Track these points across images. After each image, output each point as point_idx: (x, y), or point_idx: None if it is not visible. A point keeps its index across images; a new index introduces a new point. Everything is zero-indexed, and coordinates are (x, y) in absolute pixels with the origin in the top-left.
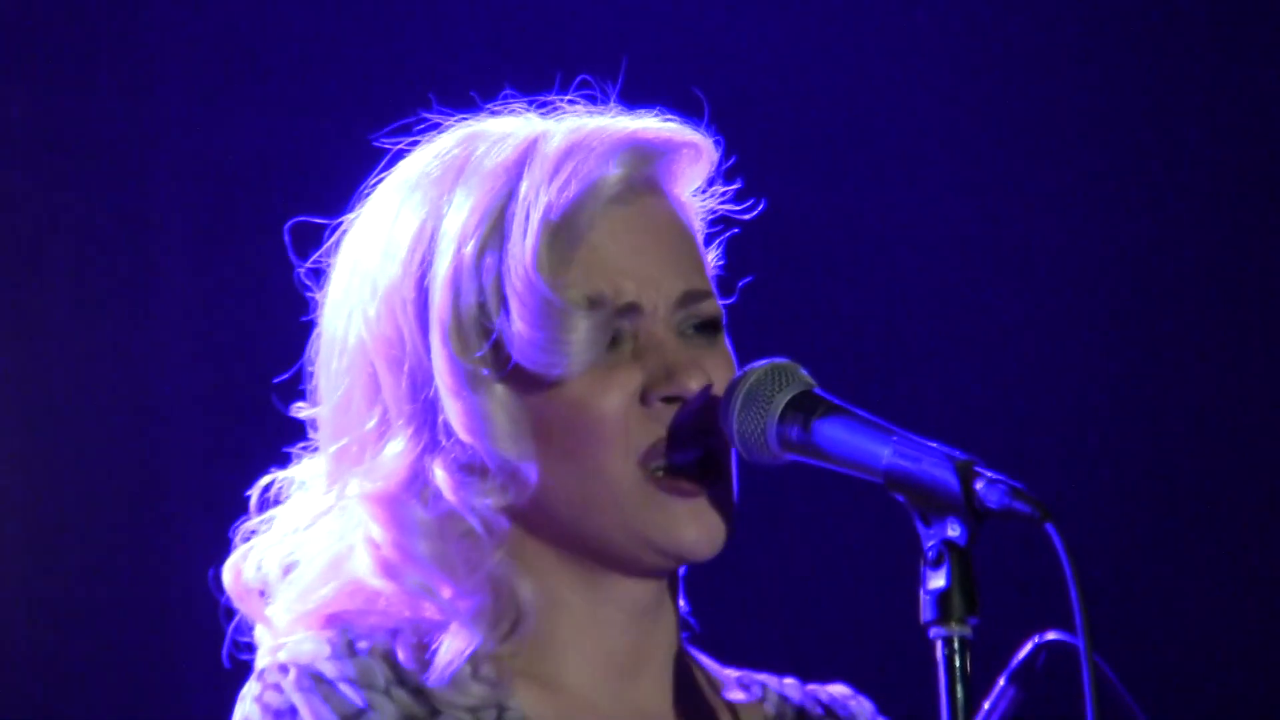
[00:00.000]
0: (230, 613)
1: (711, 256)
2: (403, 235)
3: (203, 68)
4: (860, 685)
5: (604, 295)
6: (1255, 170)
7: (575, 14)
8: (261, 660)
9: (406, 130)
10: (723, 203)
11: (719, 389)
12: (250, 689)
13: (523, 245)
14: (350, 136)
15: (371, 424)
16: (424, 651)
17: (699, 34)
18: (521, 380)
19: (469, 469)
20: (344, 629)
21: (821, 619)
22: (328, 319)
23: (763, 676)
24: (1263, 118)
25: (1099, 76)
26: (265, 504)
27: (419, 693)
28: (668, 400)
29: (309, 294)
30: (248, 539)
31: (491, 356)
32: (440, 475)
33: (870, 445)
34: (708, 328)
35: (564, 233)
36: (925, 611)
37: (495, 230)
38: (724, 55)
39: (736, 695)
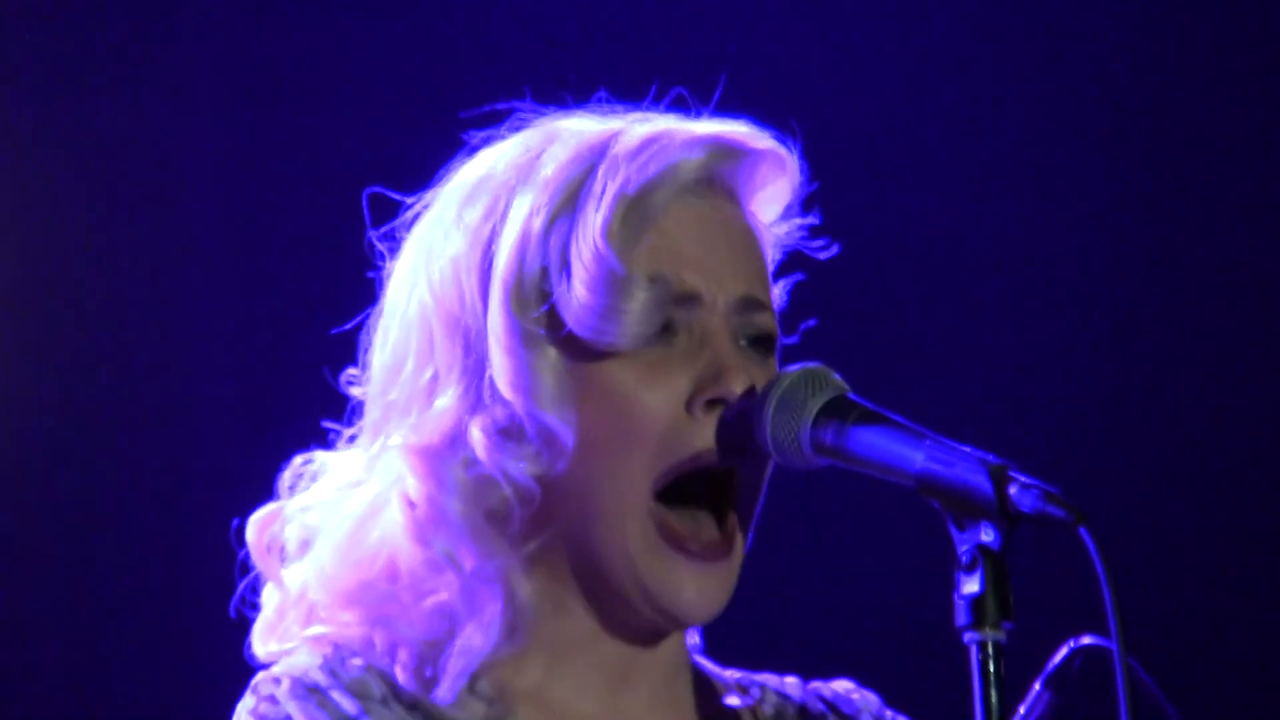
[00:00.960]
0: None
1: (778, 291)
2: (474, 211)
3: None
4: (893, 690)
5: (666, 277)
6: None
7: (684, 28)
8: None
9: (495, 121)
10: (799, 239)
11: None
12: (245, 703)
13: (594, 215)
14: (440, 125)
15: (424, 381)
16: (423, 673)
17: (802, 61)
18: (573, 350)
19: (507, 433)
20: (338, 647)
21: (855, 624)
22: (391, 292)
23: (763, 677)
24: None
25: (1132, 74)
26: (307, 477)
27: (415, 707)
28: (711, 404)
29: (377, 268)
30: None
31: (547, 321)
32: (477, 435)
33: (903, 450)
34: (762, 343)
35: (637, 211)
36: (959, 616)
37: (568, 203)
38: (824, 88)
39: (733, 700)
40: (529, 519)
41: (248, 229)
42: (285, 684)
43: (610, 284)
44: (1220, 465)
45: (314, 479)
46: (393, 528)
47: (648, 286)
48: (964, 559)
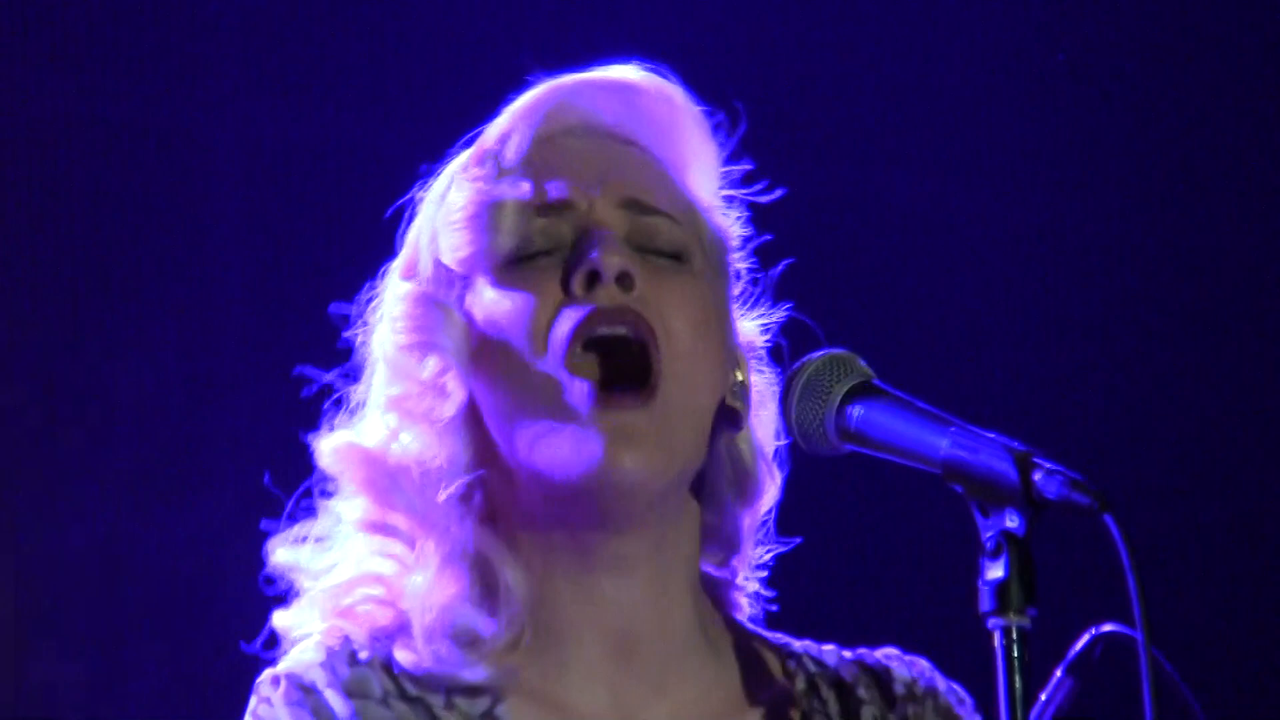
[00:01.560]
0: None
1: (737, 235)
2: (400, 261)
3: (256, 63)
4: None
5: (530, 184)
6: None
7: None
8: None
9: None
10: (743, 191)
11: (667, 314)
12: (250, 703)
13: (462, 163)
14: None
15: (360, 400)
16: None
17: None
18: (461, 289)
19: (413, 396)
20: (347, 639)
21: (880, 609)
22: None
23: (801, 645)
24: None
25: (1135, 66)
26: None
27: (418, 702)
28: (588, 285)
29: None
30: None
31: (434, 274)
32: (391, 420)
33: (928, 436)
34: (670, 254)
35: (500, 147)
36: (984, 602)
37: (448, 177)
38: (749, 56)
39: (769, 669)
40: (474, 472)
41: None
42: (282, 687)
43: (471, 202)
44: (1248, 454)
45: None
46: (358, 546)
47: (510, 193)
48: (989, 545)
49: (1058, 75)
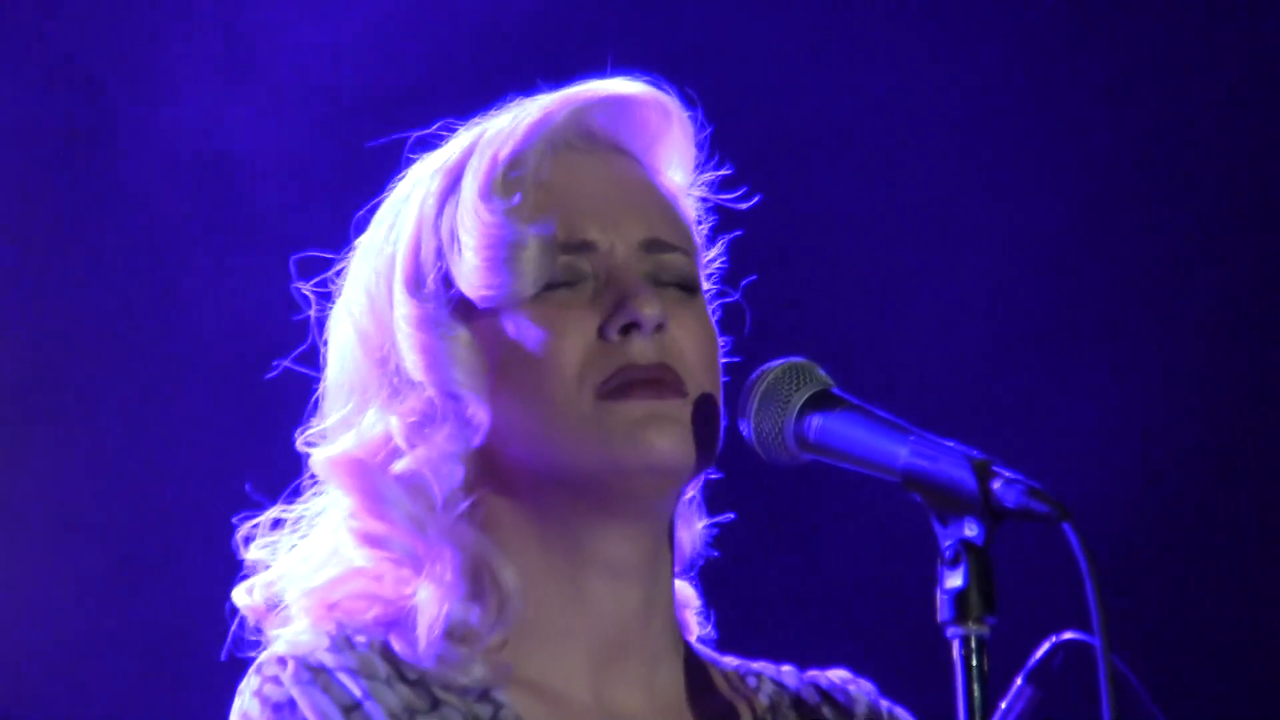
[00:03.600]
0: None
1: (713, 254)
2: (379, 232)
3: (217, 65)
4: (878, 683)
5: (553, 225)
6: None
7: (646, 28)
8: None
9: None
10: (718, 195)
11: (685, 343)
12: (249, 683)
13: (473, 182)
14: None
15: (351, 404)
16: (415, 641)
17: (710, 39)
18: (477, 321)
19: (427, 417)
20: (341, 625)
21: (838, 618)
22: (331, 319)
23: (759, 665)
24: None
25: (1113, 71)
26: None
27: (418, 684)
28: (625, 331)
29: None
30: (249, 541)
31: (447, 298)
32: (396, 425)
33: (888, 445)
34: (681, 285)
35: (514, 171)
36: (942, 611)
37: (453, 183)
38: (730, 59)
39: (730, 687)
40: (480, 498)
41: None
42: (290, 666)
43: (493, 239)
44: (1206, 461)
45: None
46: (351, 548)
47: (533, 234)
48: (947, 554)
49: (1036, 80)
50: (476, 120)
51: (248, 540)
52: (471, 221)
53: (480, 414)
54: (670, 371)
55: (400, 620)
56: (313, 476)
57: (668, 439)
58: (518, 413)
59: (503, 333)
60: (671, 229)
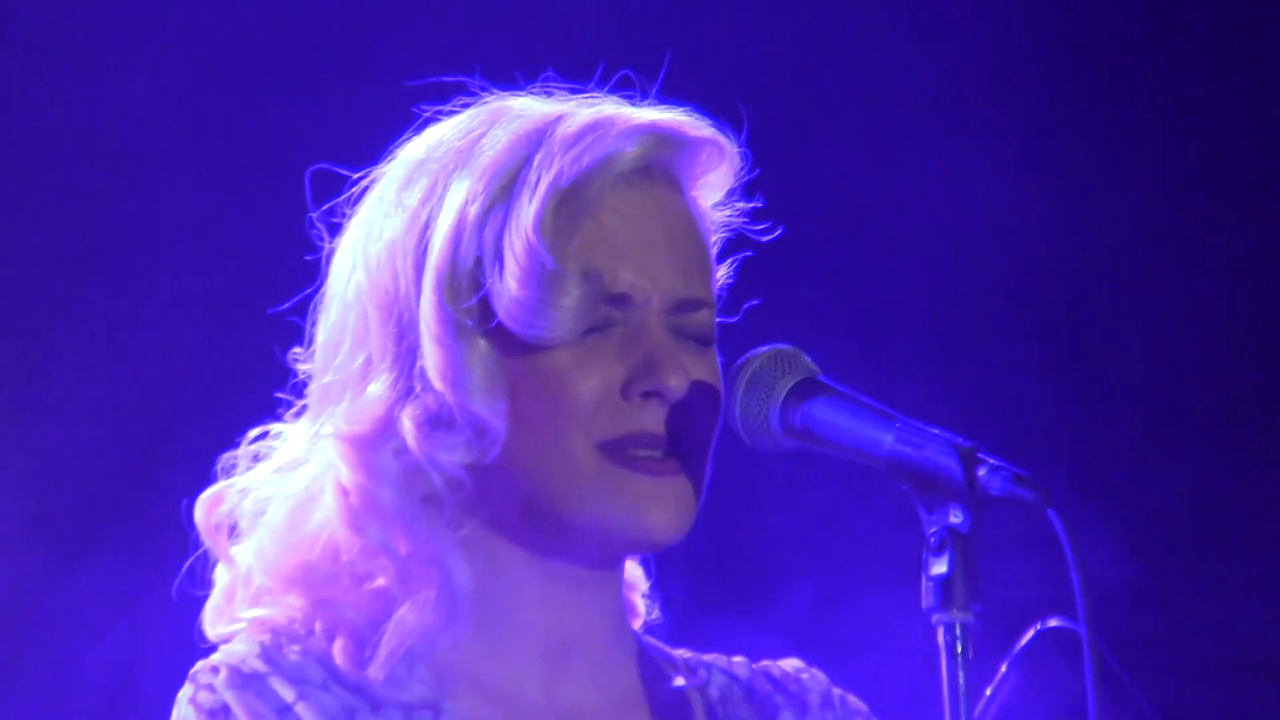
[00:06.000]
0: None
1: (722, 273)
2: (414, 193)
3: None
4: (863, 672)
5: (600, 274)
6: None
7: (629, 11)
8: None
9: (443, 99)
10: (740, 220)
11: (697, 399)
12: (184, 691)
13: (528, 206)
14: (381, 102)
15: (355, 366)
16: (363, 655)
17: (746, 42)
18: (504, 341)
19: (437, 421)
20: (276, 635)
21: (824, 605)
22: (333, 269)
23: (710, 657)
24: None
25: (1120, 75)
26: (258, 454)
27: (358, 689)
28: (646, 396)
29: (318, 246)
30: (227, 475)
31: (478, 311)
32: (408, 425)
33: (873, 432)
34: (700, 339)
35: (571, 202)
36: (928, 598)
37: (503, 193)
38: (771, 72)
39: (678, 680)
40: (465, 501)
41: (196, 206)
42: (223, 673)
43: (542, 279)
44: (1189, 450)
45: (265, 456)
46: (329, 513)
47: (580, 283)
48: (933, 541)
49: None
50: (523, 94)
51: (228, 470)
52: (521, 249)
53: (497, 435)
54: (677, 447)
55: (350, 633)
56: (299, 412)
57: (667, 517)
58: (524, 445)
59: (528, 363)
60: (701, 283)
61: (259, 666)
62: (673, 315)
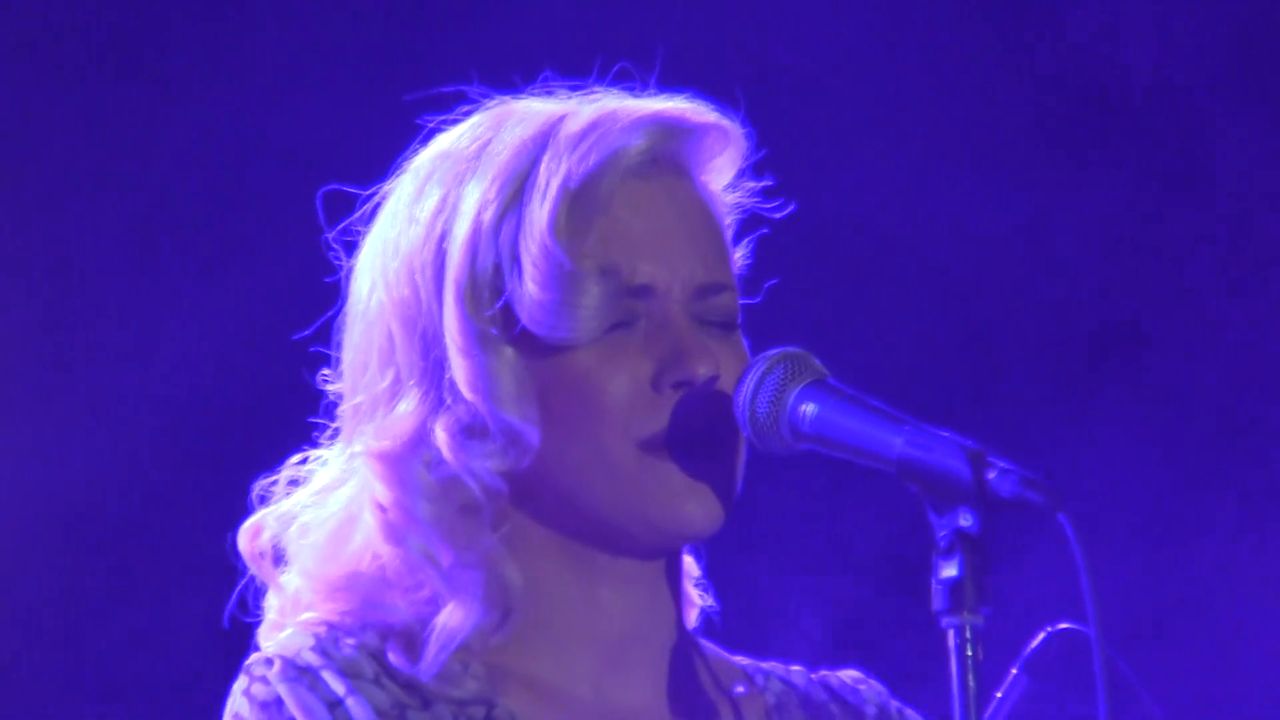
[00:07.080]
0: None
1: (739, 254)
2: (427, 205)
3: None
4: (873, 672)
5: (618, 269)
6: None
7: (622, 4)
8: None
9: (446, 108)
10: (753, 200)
11: (728, 383)
12: (239, 683)
13: (540, 210)
14: (388, 112)
15: (385, 384)
16: (416, 652)
17: (745, 29)
18: (530, 346)
19: (470, 431)
20: (331, 629)
21: (832, 607)
22: (354, 288)
23: (769, 665)
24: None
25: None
26: (295, 479)
27: (410, 686)
28: (676, 386)
29: (337, 266)
30: (265, 502)
31: (502, 318)
32: (441, 436)
33: (883, 435)
34: (725, 324)
35: (582, 201)
36: (937, 600)
37: (515, 197)
38: (770, 55)
39: (737, 688)
40: (504, 507)
41: (214, 227)
42: (277, 665)
43: (561, 281)
44: (1197, 450)
45: (303, 481)
46: (370, 531)
47: (600, 280)
48: (942, 544)
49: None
50: (525, 96)
51: (263, 499)
52: (538, 252)
53: (531, 440)
54: (711, 436)
55: (402, 631)
56: (334, 434)
57: (703, 509)
58: (559, 445)
59: (555, 365)
60: (720, 266)
61: (312, 659)
62: (695, 302)
